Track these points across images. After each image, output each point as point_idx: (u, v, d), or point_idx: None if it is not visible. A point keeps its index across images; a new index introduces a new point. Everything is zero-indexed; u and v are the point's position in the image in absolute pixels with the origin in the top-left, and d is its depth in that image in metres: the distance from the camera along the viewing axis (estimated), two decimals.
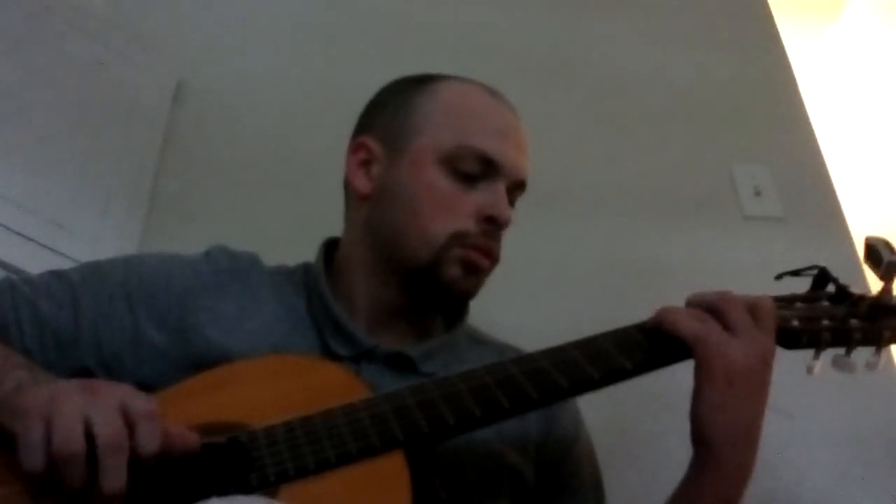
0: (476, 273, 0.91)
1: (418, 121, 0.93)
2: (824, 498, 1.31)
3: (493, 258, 0.92)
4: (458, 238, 0.89)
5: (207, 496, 0.62)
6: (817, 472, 1.33)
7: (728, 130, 1.71)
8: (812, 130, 1.72)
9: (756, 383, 0.74)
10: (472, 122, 0.92)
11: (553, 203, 1.62)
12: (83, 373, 0.85)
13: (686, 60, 1.80)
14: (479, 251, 0.90)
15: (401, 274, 0.91)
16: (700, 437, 0.74)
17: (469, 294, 0.93)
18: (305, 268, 1.00)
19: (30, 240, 1.35)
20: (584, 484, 0.95)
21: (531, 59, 1.79)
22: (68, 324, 0.86)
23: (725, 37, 1.84)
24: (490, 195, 0.90)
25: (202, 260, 0.97)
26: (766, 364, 0.75)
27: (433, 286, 0.90)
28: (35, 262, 1.32)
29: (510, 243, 1.55)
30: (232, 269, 0.96)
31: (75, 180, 1.47)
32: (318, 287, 0.93)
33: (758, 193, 1.63)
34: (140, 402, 0.67)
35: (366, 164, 0.96)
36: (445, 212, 0.89)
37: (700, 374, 0.74)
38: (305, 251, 1.01)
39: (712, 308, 0.76)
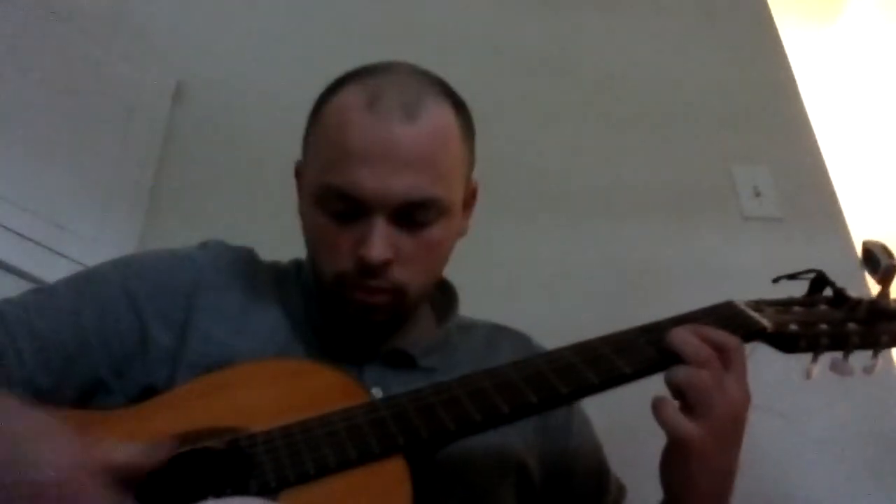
0: (376, 310, 0.85)
1: (306, 153, 0.91)
2: (824, 499, 1.32)
3: (387, 292, 0.84)
4: (341, 279, 0.84)
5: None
6: (815, 474, 1.33)
7: (728, 130, 1.71)
8: (812, 131, 1.72)
9: (730, 443, 0.74)
10: (335, 154, 0.83)
11: (553, 203, 1.62)
12: (94, 383, 0.83)
13: (686, 60, 1.80)
14: (362, 291, 0.84)
15: (324, 301, 0.90)
16: (666, 490, 0.76)
17: (384, 324, 0.88)
18: (298, 265, 0.99)
19: (30, 240, 1.36)
20: (588, 460, 0.96)
21: (531, 59, 1.79)
22: (72, 338, 0.84)
23: (725, 37, 1.84)
24: (360, 233, 0.82)
25: (200, 253, 0.95)
26: (739, 420, 0.73)
27: (346, 319, 0.87)
28: (35, 262, 1.33)
29: (511, 243, 1.57)
30: (233, 264, 0.95)
31: (75, 180, 1.48)
32: (311, 289, 0.93)
33: (757, 194, 1.63)
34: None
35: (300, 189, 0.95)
36: (327, 252, 0.85)
37: (673, 453, 0.73)
38: (304, 251, 1.02)
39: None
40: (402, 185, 0.82)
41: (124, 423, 0.77)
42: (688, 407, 0.72)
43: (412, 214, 0.83)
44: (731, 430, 0.73)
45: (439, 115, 0.86)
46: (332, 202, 0.83)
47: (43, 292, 0.89)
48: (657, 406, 0.72)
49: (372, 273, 0.82)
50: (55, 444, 0.65)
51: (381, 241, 0.81)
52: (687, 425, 0.71)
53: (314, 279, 0.91)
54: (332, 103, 0.87)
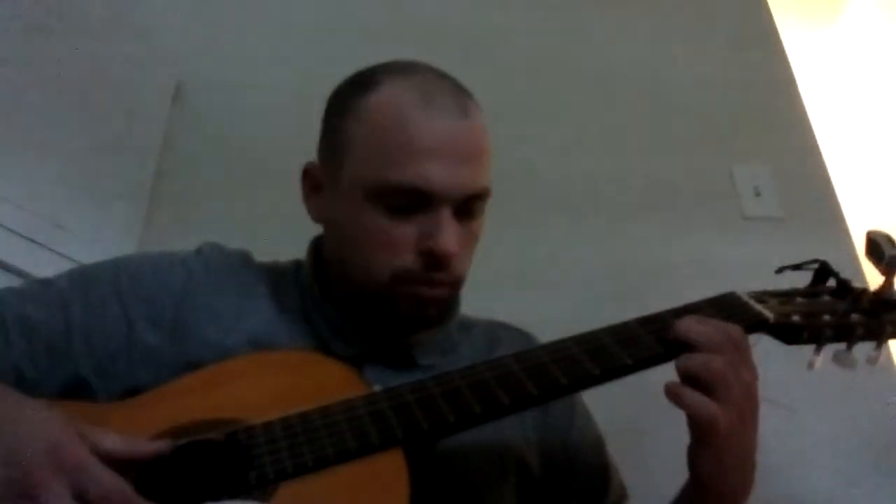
0: (433, 304, 0.86)
1: (346, 149, 0.87)
2: (826, 498, 1.31)
3: (448, 285, 0.86)
4: (401, 276, 0.83)
5: (206, 495, 0.62)
6: (819, 471, 1.33)
7: (728, 130, 1.71)
8: (812, 130, 1.72)
9: (750, 423, 0.74)
10: (394, 149, 0.83)
11: (552, 203, 1.62)
12: (76, 381, 0.83)
13: (686, 60, 1.80)
14: (427, 285, 0.84)
15: (363, 301, 0.88)
16: (698, 481, 0.76)
17: (432, 322, 0.89)
18: (297, 265, 0.99)
19: (30, 240, 1.35)
20: (589, 455, 0.96)
21: (531, 59, 1.79)
22: (59, 331, 0.84)
23: (725, 37, 1.84)
24: (427, 227, 0.83)
25: (194, 258, 0.95)
26: (754, 400, 0.74)
27: (394, 318, 0.87)
28: (35, 262, 1.32)
29: (510, 243, 1.56)
30: (226, 267, 0.95)
31: (75, 180, 1.47)
32: (311, 288, 0.93)
33: (757, 193, 1.63)
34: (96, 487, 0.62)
35: (316, 189, 0.93)
36: (383, 249, 0.84)
37: (700, 438, 0.73)
38: (304, 251, 1.01)
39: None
40: (467, 177, 0.84)
41: (118, 414, 0.77)
42: (705, 392, 0.71)
43: (471, 206, 0.86)
44: (749, 410, 0.73)
45: (479, 112, 0.89)
46: (392, 198, 0.83)
47: (40, 283, 0.90)
48: (676, 391, 0.72)
49: (441, 266, 0.83)
50: (51, 425, 0.66)
51: (454, 234, 0.83)
52: (712, 405, 0.70)
53: (351, 287, 0.89)
54: (378, 101, 0.86)
